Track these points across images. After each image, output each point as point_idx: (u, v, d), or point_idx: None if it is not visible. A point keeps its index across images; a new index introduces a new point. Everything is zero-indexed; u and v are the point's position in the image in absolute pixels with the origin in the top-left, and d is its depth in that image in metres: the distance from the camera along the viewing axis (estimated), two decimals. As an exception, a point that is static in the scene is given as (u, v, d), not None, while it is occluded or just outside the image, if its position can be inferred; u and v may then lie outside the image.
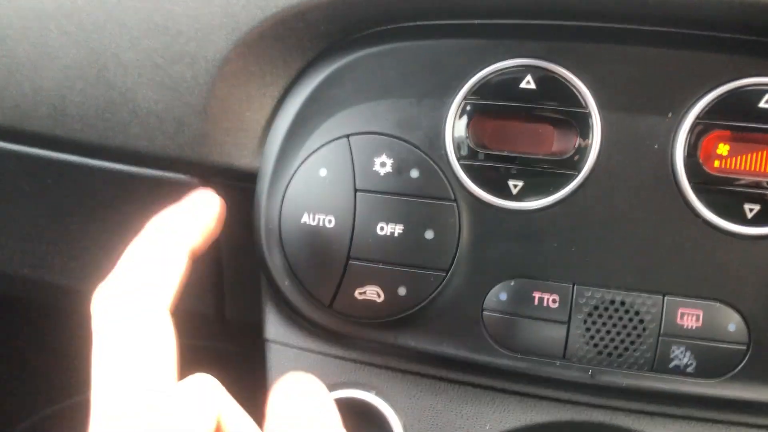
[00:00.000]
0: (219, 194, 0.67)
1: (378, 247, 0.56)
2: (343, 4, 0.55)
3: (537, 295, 0.55)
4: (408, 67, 0.57)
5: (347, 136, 0.57)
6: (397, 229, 0.56)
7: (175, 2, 0.57)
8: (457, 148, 0.55)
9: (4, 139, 0.69)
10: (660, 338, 0.53)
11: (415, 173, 0.56)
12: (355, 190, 0.56)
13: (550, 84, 0.54)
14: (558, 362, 0.55)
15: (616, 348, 0.54)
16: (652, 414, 0.57)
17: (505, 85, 0.54)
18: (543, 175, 0.54)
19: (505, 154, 0.55)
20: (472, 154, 0.55)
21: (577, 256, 0.54)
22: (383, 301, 0.56)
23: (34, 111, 0.64)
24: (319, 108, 0.58)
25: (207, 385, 0.40)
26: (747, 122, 0.52)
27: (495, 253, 0.55)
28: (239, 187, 0.64)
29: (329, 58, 0.59)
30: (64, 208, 0.75)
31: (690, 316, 0.53)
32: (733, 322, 0.53)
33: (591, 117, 0.53)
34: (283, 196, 0.58)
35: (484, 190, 0.55)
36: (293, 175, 0.58)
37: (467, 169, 0.55)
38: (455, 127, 0.55)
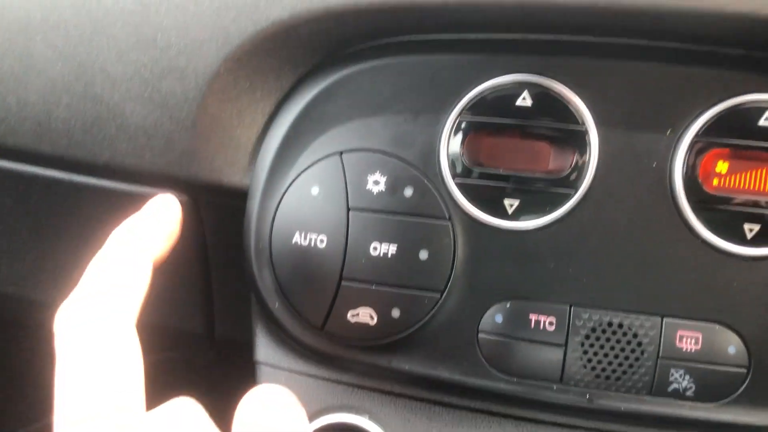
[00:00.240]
0: (209, 212, 0.66)
1: (371, 268, 0.55)
2: (335, 19, 0.54)
3: (533, 317, 0.53)
4: (402, 82, 0.56)
5: (340, 153, 0.56)
6: (391, 249, 0.54)
7: (164, 15, 0.55)
8: (452, 165, 0.54)
9: (-12, 155, 0.67)
10: (659, 361, 0.52)
11: (409, 191, 0.54)
12: (348, 209, 0.55)
13: (546, 100, 0.53)
14: (555, 386, 0.54)
15: (614, 371, 0.53)
16: (651, 438, 0.55)
17: (501, 101, 0.53)
18: (539, 194, 0.53)
19: (501, 172, 0.54)
20: (467, 172, 0.54)
21: (574, 277, 0.53)
22: (376, 324, 0.55)
23: (19, 126, 0.62)
24: (312, 124, 0.57)
25: (186, 411, 0.38)
26: (746, 140, 0.51)
27: (491, 273, 0.54)
28: (229, 205, 0.63)
29: (322, 74, 0.58)
30: (50, 225, 0.73)
31: (689, 339, 0.52)
32: (733, 345, 0.52)
33: (588, 134, 0.52)
34: (274, 215, 0.57)
35: (480, 209, 0.54)
36: (284, 193, 0.57)
37: (462, 187, 0.54)
38: (450, 144, 0.54)
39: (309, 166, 0.56)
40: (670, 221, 0.52)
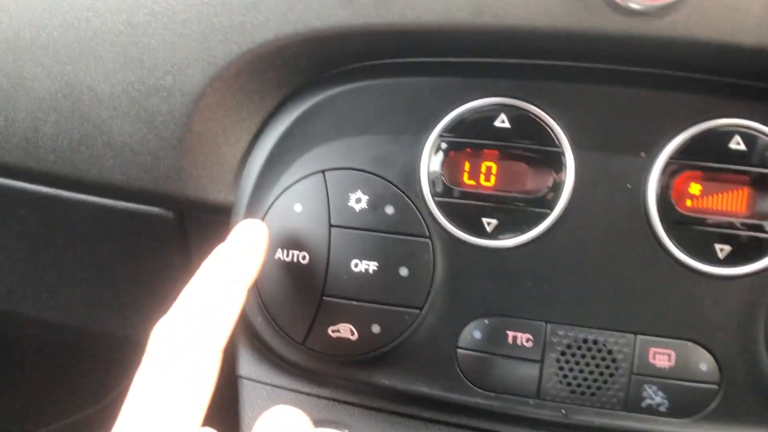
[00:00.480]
0: (195, 228, 0.67)
1: (352, 284, 0.56)
2: (319, 41, 0.55)
3: (511, 333, 0.55)
4: (384, 103, 0.57)
5: (323, 171, 0.57)
6: (372, 265, 0.55)
7: (151, 36, 0.57)
8: (432, 184, 0.55)
9: (-24, 170, 0.68)
10: (632, 377, 0.53)
11: (390, 210, 0.56)
12: (330, 226, 0.56)
13: (524, 123, 0.54)
14: (532, 401, 0.55)
15: (589, 387, 0.54)
16: (625, 454, 0.57)
17: (480, 123, 0.55)
18: (517, 213, 0.54)
19: (479, 191, 0.55)
20: (447, 192, 0.55)
21: (550, 295, 0.54)
22: (357, 339, 0.56)
23: (7, 142, 0.63)
24: (296, 143, 0.58)
25: None
26: (717, 163, 0.52)
27: (469, 290, 0.55)
28: (215, 222, 0.64)
29: (306, 94, 0.59)
30: (37, 240, 0.74)
31: (662, 356, 0.53)
32: (704, 362, 0.53)
33: (564, 156, 0.54)
34: (258, 231, 0.57)
35: (459, 228, 0.55)
36: (268, 209, 0.58)
37: (442, 206, 0.55)
38: (430, 164, 0.55)
39: (292, 184, 0.57)
40: (643, 241, 0.53)
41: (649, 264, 0.53)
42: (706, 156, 0.53)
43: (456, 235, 0.55)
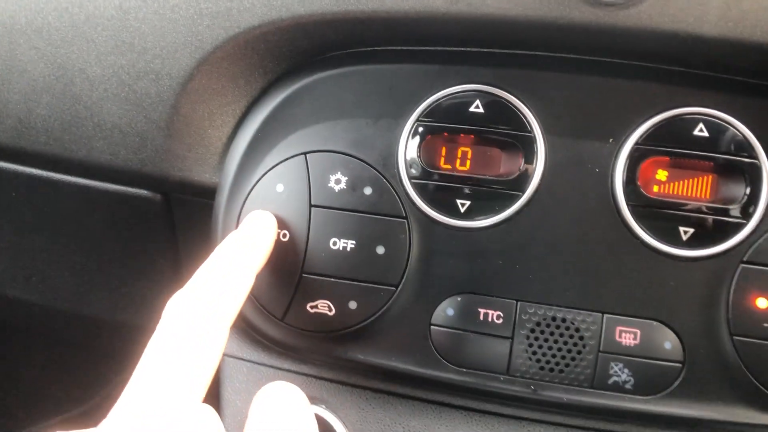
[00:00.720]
0: (180, 210, 0.69)
1: (330, 262, 0.58)
2: (302, 28, 0.57)
3: (482, 310, 0.56)
4: (364, 89, 0.59)
5: (305, 153, 0.59)
6: (350, 244, 0.57)
7: (141, 20, 0.59)
8: (409, 167, 0.57)
9: (-30, 152, 0.70)
10: (599, 355, 0.55)
11: (368, 191, 0.58)
12: (311, 206, 0.58)
13: (497, 108, 0.57)
14: (502, 377, 0.57)
15: (557, 364, 0.56)
16: (592, 430, 0.58)
17: (455, 108, 0.57)
18: (489, 195, 0.56)
19: (454, 174, 0.57)
20: (423, 174, 0.57)
21: (520, 274, 0.56)
22: (334, 315, 0.58)
23: (1, 123, 0.65)
24: (279, 126, 0.60)
25: (210, 419, 0.41)
26: (682, 149, 0.54)
27: (443, 269, 0.57)
28: (200, 203, 0.65)
29: (289, 79, 0.61)
30: (27, 222, 0.76)
31: (628, 334, 0.55)
32: (668, 341, 0.55)
33: (536, 141, 0.56)
34: (241, 210, 0.60)
35: (434, 209, 0.57)
36: (251, 190, 0.60)
37: (418, 187, 0.57)
38: (408, 147, 0.58)
39: (275, 165, 0.59)
40: (610, 223, 0.55)
41: (616, 245, 0.55)
42: (671, 142, 0.55)
43: (431, 215, 0.57)
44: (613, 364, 0.55)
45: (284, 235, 0.58)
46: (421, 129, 0.58)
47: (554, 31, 0.55)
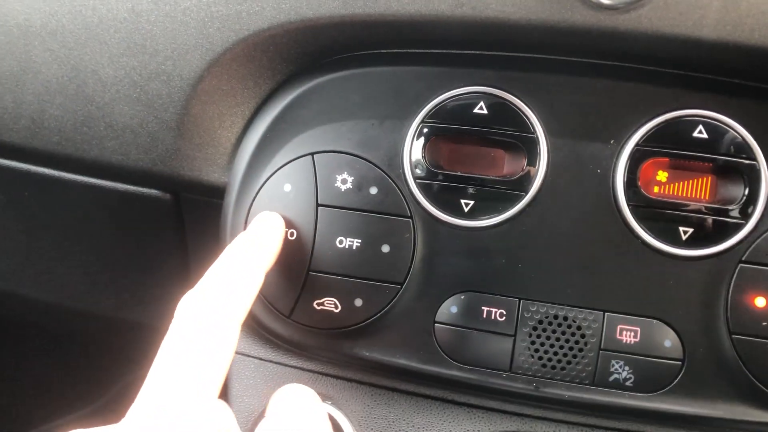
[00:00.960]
0: (190, 210, 0.70)
1: (337, 260, 0.59)
2: (310, 31, 0.59)
3: (485, 308, 0.58)
4: (370, 91, 0.60)
5: (312, 154, 0.60)
6: (356, 242, 0.58)
7: (153, 23, 0.60)
8: (414, 167, 0.59)
9: (-16, 152, 0.72)
10: (600, 352, 0.56)
11: (374, 190, 0.59)
12: (317, 205, 0.59)
13: (501, 110, 0.58)
14: (505, 374, 0.58)
15: (559, 361, 0.57)
16: (593, 427, 0.59)
17: (460, 110, 0.58)
18: (492, 195, 0.58)
19: (458, 174, 0.58)
20: (428, 174, 0.58)
21: (523, 273, 0.57)
22: (340, 312, 0.59)
23: (14, 123, 0.67)
24: (287, 127, 0.62)
25: (223, 415, 0.42)
26: (682, 150, 0.55)
27: (447, 267, 0.58)
28: (209, 204, 0.67)
29: (297, 81, 0.62)
30: (39, 221, 0.77)
31: (628, 332, 0.56)
32: (668, 339, 0.56)
33: (539, 142, 0.57)
34: (249, 210, 0.61)
35: (438, 208, 0.58)
36: (259, 189, 0.61)
37: (423, 187, 0.58)
38: (413, 148, 0.59)
39: (283, 165, 0.60)
40: (611, 223, 0.56)
41: (617, 245, 0.56)
42: (671, 144, 0.56)
43: (435, 215, 0.58)
44: (614, 361, 0.56)
45: (291, 234, 0.59)
46: (426, 130, 0.59)
47: (556, 35, 0.56)
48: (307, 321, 0.60)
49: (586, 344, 0.57)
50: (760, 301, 0.54)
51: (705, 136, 0.55)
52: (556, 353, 0.57)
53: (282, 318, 0.60)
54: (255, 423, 0.60)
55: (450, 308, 0.58)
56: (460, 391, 0.61)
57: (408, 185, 0.59)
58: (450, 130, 0.59)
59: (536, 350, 0.57)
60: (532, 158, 0.57)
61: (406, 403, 0.62)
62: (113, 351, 1.14)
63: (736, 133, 0.55)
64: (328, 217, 0.59)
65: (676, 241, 0.56)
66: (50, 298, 0.84)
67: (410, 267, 0.58)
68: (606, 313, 0.56)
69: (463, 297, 0.58)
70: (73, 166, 0.69)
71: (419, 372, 0.59)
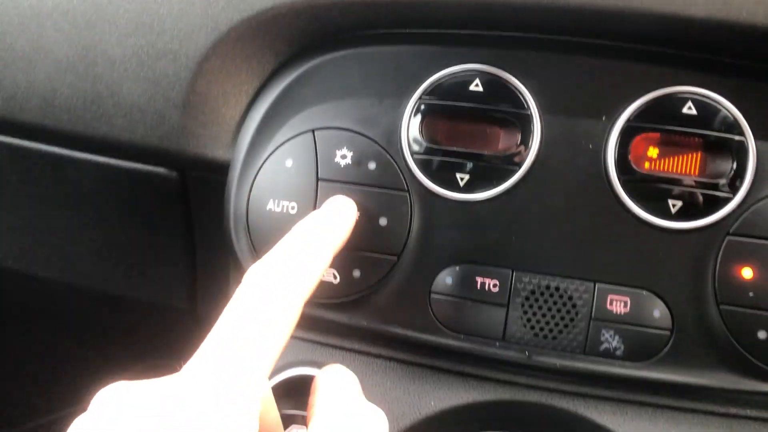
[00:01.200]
0: (195, 188, 0.72)
1: (336, 232, 0.60)
2: (312, 11, 0.61)
3: (479, 279, 0.59)
4: (370, 69, 0.62)
5: (312, 130, 0.62)
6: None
7: (161, 3, 0.63)
8: (412, 143, 0.60)
9: (-2, 131, 0.74)
10: (591, 322, 0.58)
11: (372, 165, 0.61)
12: (318, 180, 0.61)
13: (496, 87, 0.59)
14: (498, 343, 0.59)
15: (551, 330, 0.58)
16: (585, 396, 0.61)
17: (456, 87, 0.60)
18: (487, 169, 0.59)
19: (454, 149, 0.60)
20: (424, 150, 0.60)
21: (516, 245, 0.59)
22: (339, 283, 0.61)
23: (27, 102, 0.69)
24: (289, 105, 0.64)
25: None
26: (672, 126, 0.57)
27: (442, 239, 0.60)
28: (214, 182, 0.69)
29: (299, 61, 0.65)
30: (49, 200, 0.80)
31: (618, 302, 0.58)
32: (658, 309, 0.57)
33: (532, 118, 0.59)
34: (252, 185, 0.63)
35: (434, 183, 0.60)
36: (262, 165, 0.63)
37: (419, 162, 0.60)
38: (410, 124, 0.61)
39: (285, 142, 0.62)
40: (603, 197, 0.58)
41: (608, 218, 0.58)
42: (662, 120, 0.57)
43: (431, 189, 0.60)
44: (604, 331, 0.58)
45: (292, 208, 0.61)
46: (423, 107, 0.61)
47: (550, 14, 0.57)
48: (308, 292, 0.62)
49: (577, 314, 0.58)
50: (746, 272, 0.56)
51: (694, 112, 0.57)
52: (547, 322, 0.59)
53: (283, 289, 0.62)
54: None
55: (445, 279, 0.60)
56: (454, 359, 0.62)
57: (405, 160, 0.60)
58: (446, 107, 0.60)
59: (528, 320, 0.59)
60: (526, 134, 0.59)
61: (402, 372, 0.63)
62: (125, 334, 1.16)
63: (724, 109, 0.57)
64: (327, 191, 0.61)
65: (665, 214, 0.57)
66: (61, 277, 0.86)
67: (407, 239, 0.60)
68: (597, 284, 0.58)
69: (458, 268, 0.60)
70: (83, 145, 0.71)
71: (415, 341, 0.61)
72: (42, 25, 0.67)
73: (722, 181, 0.57)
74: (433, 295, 0.60)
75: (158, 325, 1.04)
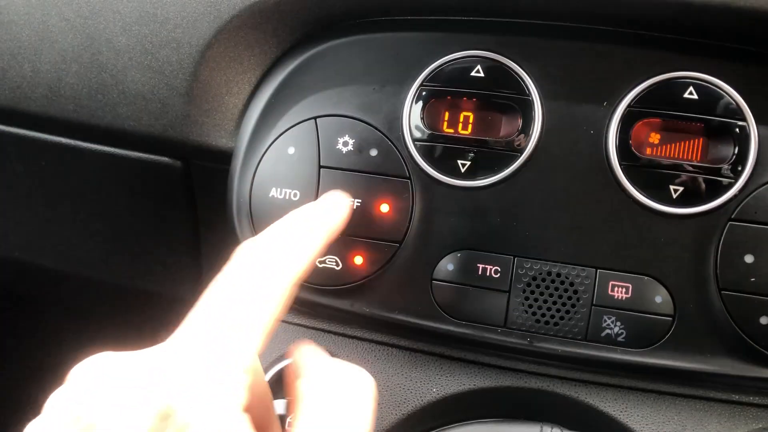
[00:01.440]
0: (200, 177, 0.73)
1: (338, 219, 0.61)
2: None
3: (481, 266, 0.59)
4: (371, 57, 0.63)
5: (315, 118, 0.62)
6: (356, 202, 0.61)
7: (164, -9, 0.63)
8: (413, 130, 0.61)
9: (3, 122, 0.75)
10: (592, 308, 0.58)
11: (374, 152, 0.61)
12: (320, 167, 0.61)
13: (497, 73, 0.60)
14: (499, 329, 0.59)
15: (552, 317, 0.58)
16: (587, 382, 0.61)
17: (457, 73, 0.60)
18: (488, 156, 0.59)
19: (456, 136, 0.60)
20: (426, 136, 0.60)
21: (518, 231, 0.59)
22: (341, 269, 0.61)
23: (32, 92, 0.70)
24: (291, 92, 0.64)
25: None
26: (673, 111, 0.57)
27: (444, 226, 0.60)
28: (219, 171, 0.69)
29: (301, 48, 0.65)
30: (55, 190, 0.80)
31: (620, 288, 0.58)
32: (659, 295, 0.57)
33: (533, 104, 0.59)
34: (255, 173, 0.63)
35: (436, 169, 0.60)
36: (264, 152, 0.63)
37: (421, 149, 0.60)
38: (412, 111, 0.61)
39: (287, 129, 0.63)
40: (604, 183, 0.58)
41: (609, 204, 0.58)
42: (663, 105, 0.57)
43: (433, 175, 0.60)
44: (605, 317, 0.58)
45: (295, 195, 0.62)
46: (424, 93, 0.61)
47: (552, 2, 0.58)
48: (310, 278, 0.61)
49: (578, 300, 0.58)
50: (748, 258, 0.56)
51: (695, 97, 0.57)
52: (549, 309, 0.59)
53: (285, 276, 0.62)
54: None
55: (447, 266, 0.60)
56: (456, 346, 0.63)
57: (407, 147, 0.61)
58: (448, 93, 0.60)
59: (530, 306, 0.59)
60: (527, 120, 0.59)
61: (405, 358, 0.64)
62: (132, 325, 1.17)
63: (725, 94, 0.56)
64: (329, 178, 0.61)
65: (667, 200, 0.57)
66: (68, 268, 0.87)
67: (408, 226, 0.60)
68: (598, 270, 0.58)
69: (459, 255, 0.60)
70: (88, 134, 0.72)
71: (417, 327, 0.61)
72: (47, 14, 0.67)
73: (724, 167, 0.56)
74: (434, 282, 0.60)
75: (165, 315, 1.05)
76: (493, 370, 0.62)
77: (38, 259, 0.87)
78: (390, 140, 0.61)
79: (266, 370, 0.64)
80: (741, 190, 0.56)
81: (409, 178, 0.60)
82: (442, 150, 0.60)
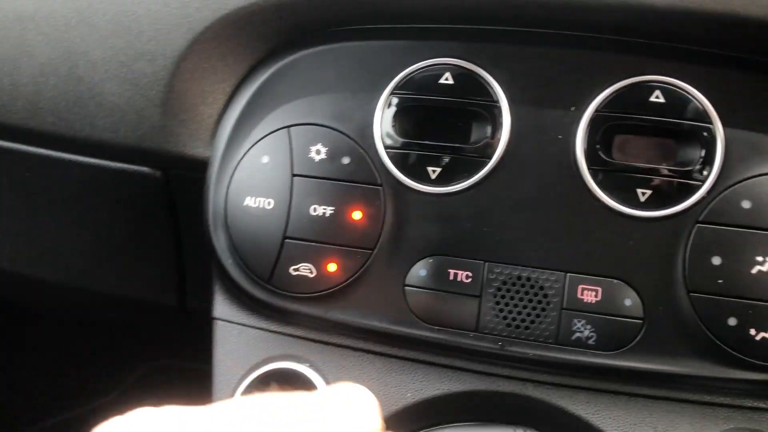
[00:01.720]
0: (180, 187, 0.73)
1: (311, 227, 0.61)
2: (285, 8, 0.62)
3: (452, 271, 0.60)
4: (342, 65, 0.63)
5: (287, 127, 0.63)
6: (329, 210, 0.61)
7: (138, 4, 0.64)
8: (385, 137, 0.61)
9: (-15, 135, 0.76)
10: (562, 312, 0.58)
11: (346, 160, 0.62)
12: (293, 175, 0.62)
13: (466, 80, 0.60)
14: (471, 334, 0.60)
15: (523, 321, 0.59)
16: (558, 385, 0.61)
17: (427, 81, 0.61)
18: (458, 162, 0.60)
19: (426, 142, 0.61)
20: (397, 144, 0.61)
21: (488, 236, 0.60)
22: (315, 277, 0.62)
23: (12, 105, 0.71)
24: (264, 102, 0.65)
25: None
26: (640, 114, 0.57)
27: (416, 232, 0.61)
28: (198, 179, 0.70)
29: (274, 58, 0.66)
30: (40, 202, 0.81)
31: (590, 292, 0.58)
32: (629, 298, 0.58)
33: (501, 109, 0.59)
34: (230, 182, 0.64)
35: (407, 176, 0.61)
36: (239, 162, 0.64)
37: (392, 156, 0.61)
38: (383, 119, 0.61)
39: (261, 139, 0.64)
40: (573, 187, 0.58)
41: (578, 208, 0.58)
42: (630, 109, 0.58)
43: (404, 182, 0.61)
44: (575, 320, 0.58)
45: (269, 203, 0.62)
46: (395, 101, 0.61)
47: (516, 6, 0.58)
48: (285, 286, 0.63)
49: (548, 304, 0.59)
50: (716, 260, 0.56)
51: (662, 100, 0.57)
52: (519, 313, 0.59)
53: (261, 284, 0.63)
54: (236, 388, 0.64)
55: (419, 272, 0.61)
56: (430, 351, 0.63)
57: (378, 154, 0.61)
58: (418, 101, 0.61)
59: (501, 310, 0.59)
60: (496, 126, 0.60)
61: (380, 364, 0.64)
62: (120, 333, 1.18)
63: (692, 98, 0.57)
64: (302, 186, 0.62)
65: (635, 203, 0.57)
66: (53, 278, 0.88)
67: (381, 233, 0.61)
68: (568, 274, 0.59)
69: (431, 260, 0.60)
70: (68, 146, 0.72)
71: (391, 333, 0.62)
72: (25, 28, 0.68)
73: (691, 170, 0.57)
74: (407, 288, 0.61)
75: (151, 323, 1.06)
76: (467, 374, 0.63)
77: (23, 269, 0.88)
78: (362, 148, 0.62)
79: (244, 376, 0.64)
80: (708, 193, 0.57)
81: (381, 186, 0.61)
82: (412, 157, 0.61)
